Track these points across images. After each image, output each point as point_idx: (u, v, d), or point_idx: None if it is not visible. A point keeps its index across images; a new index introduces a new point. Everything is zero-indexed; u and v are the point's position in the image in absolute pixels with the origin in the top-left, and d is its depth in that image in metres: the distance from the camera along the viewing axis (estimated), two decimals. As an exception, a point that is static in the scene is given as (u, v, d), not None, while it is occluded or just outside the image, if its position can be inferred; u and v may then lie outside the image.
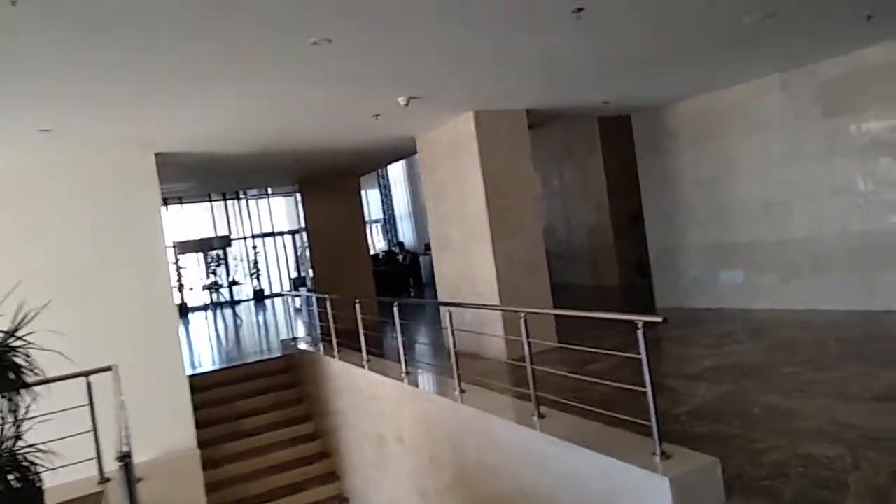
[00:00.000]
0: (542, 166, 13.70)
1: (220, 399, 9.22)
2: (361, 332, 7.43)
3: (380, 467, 7.38)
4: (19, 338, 3.69)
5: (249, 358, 10.87)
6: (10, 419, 3.62)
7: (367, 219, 23.46)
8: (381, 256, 20.04)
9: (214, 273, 21.32)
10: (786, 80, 7.93)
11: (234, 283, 22.01)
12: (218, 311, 20.70)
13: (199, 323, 18.87)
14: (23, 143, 6.07)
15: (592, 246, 13.03)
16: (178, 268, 20.61)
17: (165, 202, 20.43)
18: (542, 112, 9.00)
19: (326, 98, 6.25)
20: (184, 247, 20.95)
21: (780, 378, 5.68)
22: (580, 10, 4.54)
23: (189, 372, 9.79)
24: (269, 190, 22.37)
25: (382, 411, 7.05)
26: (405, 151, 10.96)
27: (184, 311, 21.04)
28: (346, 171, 12.56)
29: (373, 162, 12.48)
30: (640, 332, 3.61)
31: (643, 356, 3.61)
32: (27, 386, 3.77)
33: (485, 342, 7.09)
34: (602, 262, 12.83)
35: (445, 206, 8.67)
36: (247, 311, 20.66)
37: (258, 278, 22.98)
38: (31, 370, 3.64)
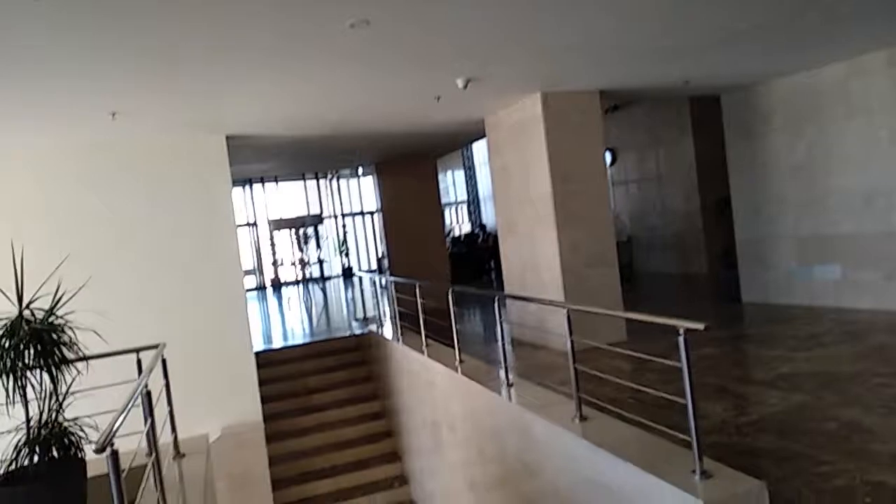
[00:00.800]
0: (633, 149, 13.11)
1: (291, 374, 9.49)
2: (421, 316, 7.37)
3: (435, 453, 7.33)
4: (59, 316, 3.86)
5: (327, 334, 11.12)
6: (54, 392, 3.81)
7: (450, 200, 23.61)
8: (462, 238, 19.97)
9: (304, 250, 22.07)
10: (892, 57, 7.04)
11: (322, 260, 22.68)
12: (307, 287, 21.45)
13: (289, 297, 19.62)
14: (95, 125, 6.36)
15: (682, 233, 12.32)
16: (272, 244, 21.48)
17: (262, 181, 21.38)
18: (624, 93, 8.52)
19: (383, 81, 6.15)
20: (278, 224, 21.82)
21: (865, 390, 5.09)
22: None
23: (263, 347, 10.18)
24: (361, 170, 22.84)
25: (436, 398, 6.98)
26: (478, 133, 10.74)
27: (276, 285, 21.94)
28: (421, 153, 12.50)
29: (446, 144, 12.32)
30: (680, 339, 3.29)
31: (683, 365, 3.29)
32: (81, 359, 3.98)
33: (550, 333, 6.85)
34: (690, 251, 12.12)
35: (511, 189, 8.42)
36: (334, 287, 21.25)
37: (347, 255, 23.56)
38: (72, 345, 3.82)
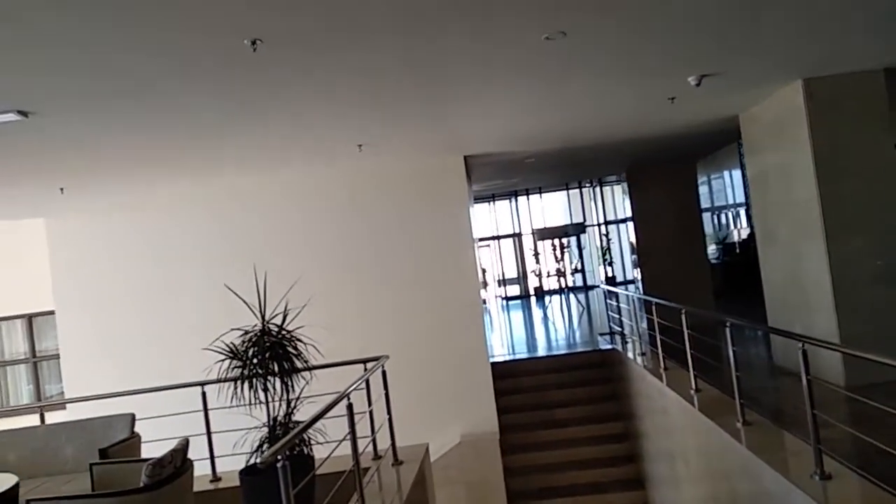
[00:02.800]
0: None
1: (532, 386, 9.53)
2: (658, 336, 6.83)
3: (672, 486, 6.71)
4: (289, 331, 4.41)
5: (574, 347, 10.98)
6: (285, 398, 4.37)
7: (725, 202, 21.48)
8: (736, 246, 18.05)
9: (562, 259, 22.12)
10: None
11: (577, 269, 22.50)
12: (569, 296, 21.41)
13: (545, 307, 19.81)
14: (345, 155, 7.17)
15: None
16: (536, 253, 21.95)
17: (527, 192, 22.04)
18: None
19: (601, 89, 5.86)
20: (541, 234, 22.24)
21: None
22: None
23: (508, 357, 10.42)
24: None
25: (671, 428, 6.38)
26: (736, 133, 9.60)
27: (539, 294, 22.36)
28: (673, 158, 11.60)
29: (702, 145, 11.23)
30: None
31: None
32: (305, 369, 4.53)
33: (819, 362, 5.80)
34: None
35: (770, 194, 7.33)
36: (596, 297, 20.88)
37: (610, 264, 22.99)
38: (298, 356, 4.35)
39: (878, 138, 6.35)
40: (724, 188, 21.56)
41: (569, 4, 3.67)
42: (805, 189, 6.43)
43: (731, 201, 21.91)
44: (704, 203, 16.88)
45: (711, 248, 16.93)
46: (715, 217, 19.37)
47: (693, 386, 5.77)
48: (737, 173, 21.71)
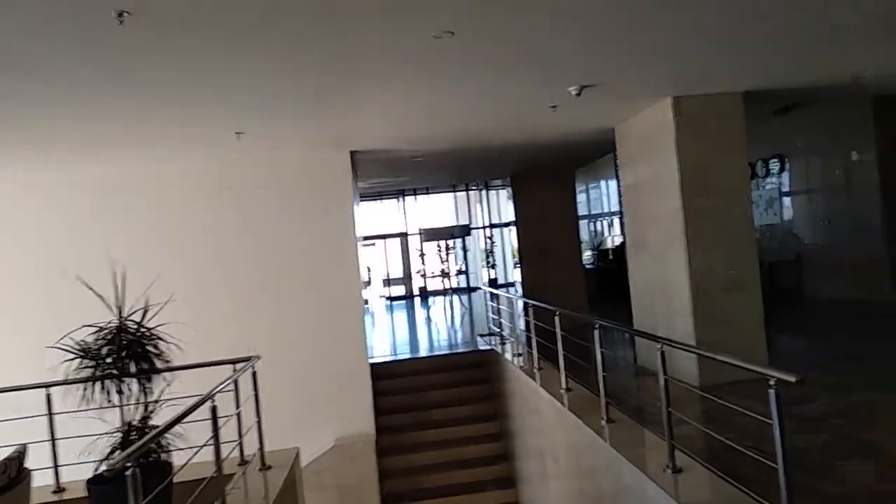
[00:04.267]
0: (806, 155, 11.64)
1: (409, 388, 9.52)
2: (534, 338, 7.03)
3: (542, 484, 6.92)
4: (148, 329, 4.09)
5: (454, 348, 11.08)
6: (142, 400, 4.05)
7: (602, 211, 22.66)
8: (610, 252, 19.04)
9: (446, 261, 22.36)
10: None
11: (461, 271, 22.87)
12: (452, 298, 21.68)
13: (428, 307, 19.96)
14: (223, 144, 6.81)
15: (856, 251, 10.67)
16: (422, 254, 22.03)
17: (415, 192, 22.07)
18: (779, 93, 7.51)
19: (485, 93, 5.94)
20: (428, 234, 22.37)
21: None
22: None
23: (389, 358, 10.35)
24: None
25: (543, 426, 6.59)
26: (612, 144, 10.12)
27: (424, 295, 22.46)
28: (555, 165, 12.04)
29: (583, 154, 11.73)
30: (771, 392, 2.71)
31: (775, 421, 2.71)
32: (167, 370, 4.22)
33: (677, 363, 6.18)
34: (868, 273, 10.44)
35: (640, 205, 7.77)
36: (478, 298, 21.29)
37: (493, 267, 23.53)
38: (159, 356, 4.04)
39: (735, 157, 6.90)
40: (600, 197, 22.70)
41: (453, 3, 3.66)
42: (671, 201, 6.86)
43: (606, 210, 23.15)
44: (582, 210, 17.65)
45: (587, 254, 17.72)
46: (592, 224, 20.32)
47: (563, 385, 5.97)
48: (612, 183, 22.97)
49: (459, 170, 12.54)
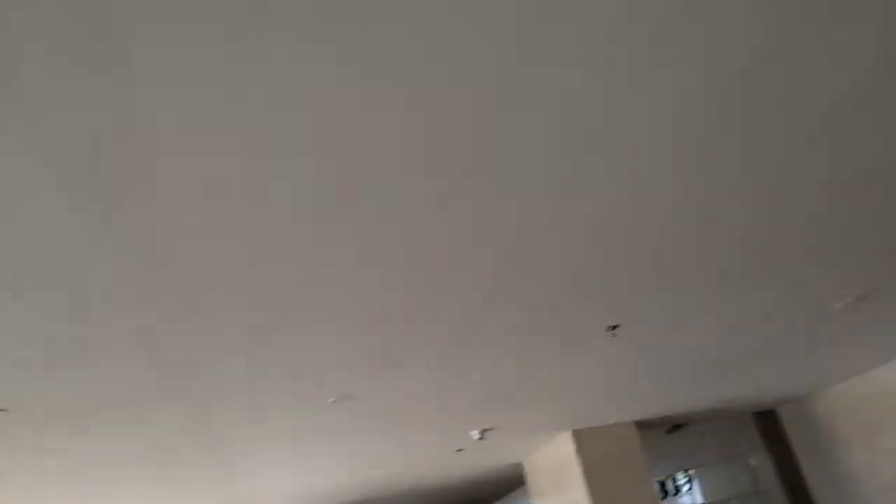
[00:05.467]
0: (706, 467, 11.81)
1: None
2: None
3: None
4: None
5: None
6: None
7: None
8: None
9: None
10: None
11: None
12: None
13: None
14: None
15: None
16: None
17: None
18: (665, 418, 7.98)
19: (396, 446, 5.93)
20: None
21: None
22: (614, 327, 4.10)
23: None
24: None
25: None
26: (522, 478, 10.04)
27: None
28: (470, 502, 11.59)
29: (497, 491, 11.45)
30: None
31: None
32: None
33: None
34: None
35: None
36: None
37: None
38: None
39: (640, 481, 6.94)
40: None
41: (351, 376, 3.85)
42: (589, 534, 6.59)
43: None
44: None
45: None
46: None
47: None
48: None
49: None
